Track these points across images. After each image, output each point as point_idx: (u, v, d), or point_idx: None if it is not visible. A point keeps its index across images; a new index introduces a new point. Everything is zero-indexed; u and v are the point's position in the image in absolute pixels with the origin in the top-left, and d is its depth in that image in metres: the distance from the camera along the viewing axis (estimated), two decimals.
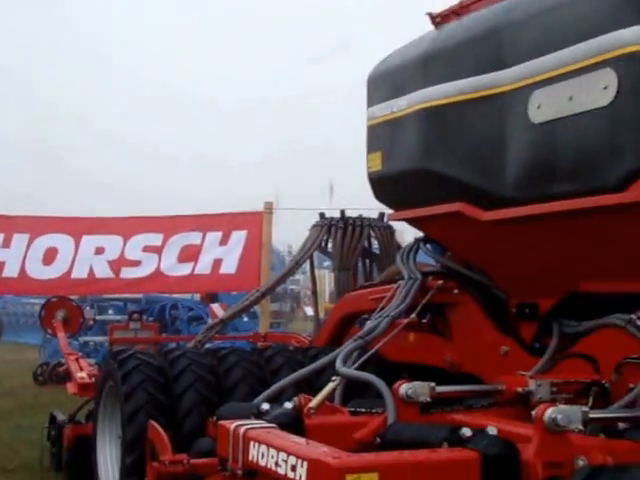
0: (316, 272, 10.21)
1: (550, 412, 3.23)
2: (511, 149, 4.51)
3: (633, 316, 4.27)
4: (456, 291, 5.45)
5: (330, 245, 8.65)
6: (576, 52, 4.13)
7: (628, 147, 3.91)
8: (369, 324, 5.22)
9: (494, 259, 5.07)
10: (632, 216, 3.97)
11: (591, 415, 3.41)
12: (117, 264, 11.34)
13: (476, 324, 5.31)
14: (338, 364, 4.74)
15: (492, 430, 3.36)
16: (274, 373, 5.72)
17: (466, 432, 3.32)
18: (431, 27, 5.41)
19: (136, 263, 11.39)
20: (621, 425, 3.61)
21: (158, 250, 11.34)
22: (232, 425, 3.78)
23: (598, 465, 2.89)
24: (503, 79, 4.55)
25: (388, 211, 6.14)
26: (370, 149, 5.64)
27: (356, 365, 4.79)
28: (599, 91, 4.00)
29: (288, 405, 4.15)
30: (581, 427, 3.30)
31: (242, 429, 3.70)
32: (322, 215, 8.63)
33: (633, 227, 4.02)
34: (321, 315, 9.78)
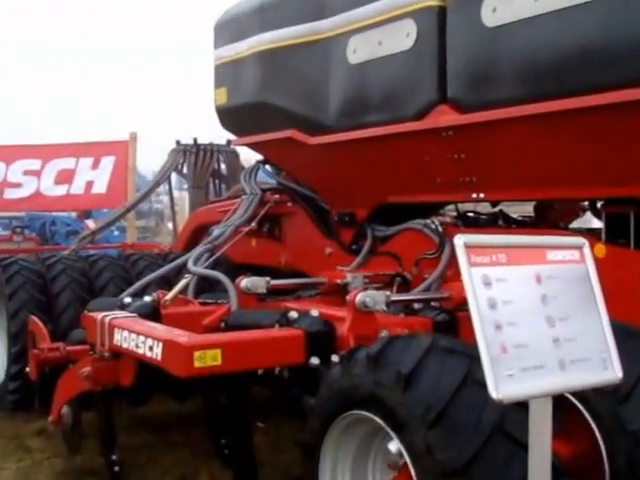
0: (177, 193, 10.12)
1: (360, 296, 3.31)
2: (332, 85, 4.53)
3: (428, 221, 4.43)
4: (289, 204, 5.50)
5: (185, 168, 8.55)
6: (384, 5, 4.15)
7: (425, 84, 3.99)
8: (216, 231, 5.22)
9: (320, 177, 5.12)
10: (427, 140, 4.07)
11: (393, 298, 3.53)
12: (0, 186, 10.96)
13: (306, 230, 5.38)
14: (190, 264, 4.73)
15: (314, 313, 3.41)
16: (139, 274, 5.65)
17: (293, 315, 3.37)
18: None
19: (17, 185, 11.04)
20: (417, 306, 3.75)
21: (37, 174, 11.02)
22: (99, 316, 3.73)
23: (394, 335, 3.00)
24: (324, 27, 4.54)
25: (233, 138, 6.09)
26: (217, 85, 5.54)
27: (205, 265, 4.80)
28: (402, 38, 4.04)
29: (147, 298, 4.11)
30: (385, 308, 3.42)
31: (108, 318, 3.67)
32: (178, 142, 8.47)
33: (428, 149, 4.12)
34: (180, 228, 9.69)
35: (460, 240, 2.01)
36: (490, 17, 3.60)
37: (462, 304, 3.61)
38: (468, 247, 2.01)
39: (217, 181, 8.76)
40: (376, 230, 4.87)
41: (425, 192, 4.37)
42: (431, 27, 3.92)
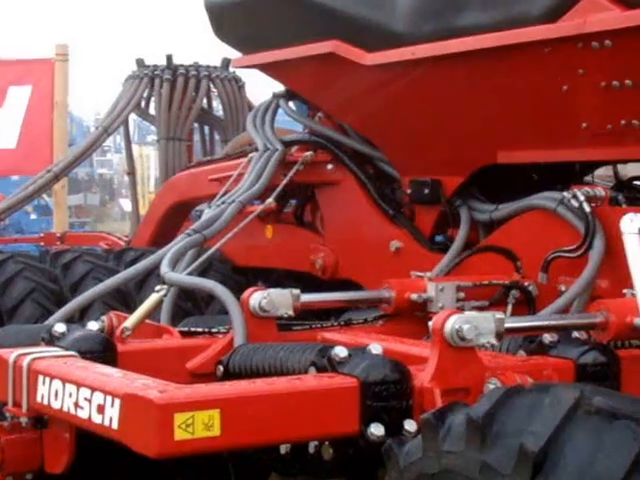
0: (138, 149, 10.22)
1: (453, 321, 3.30)
2: None
3: (566, 194, 4.39)
4: (330, 166, 5.53)
5: (154, 106, 8.61)
6: None
7: None
8: (208, 213, 5.26)
9: (381, 120, 5.14)
10: (566, 55, 4.08)
11: (507, 325, 3.51)
12: None
13: (357, 211, 5.42)
14: (164, 268, 4.74)
15: (376, 349, 3.40)
16: (75, 286, 5.73)
17: (340, 352, 3.37)
18: None
19: None
20: (547, 338, 3.73)
21: None
22: (12, 355, 3.75)
23: (513, 387, 2.99)
24: None
25: (235, 56, 6.12)
26: None
27: (190, 269, 4.83)
28: None
29: (93, 326, 4.14)
30: (494, 341, 3.41)
31: (26, 360, 3.68)
32: (141, 62, 8.52)
33: (568, 71, 4.12)
34: (143, 212, 9.79)
35: (633, 224, 2.01)
36: None
37: (628, 335, 3.62)
38: None
39: (207, 128, 8.81)
40: (476, 210, 4.90)
41: (561, 145, 4.40)
42: None
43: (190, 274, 4.81)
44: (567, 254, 4.31)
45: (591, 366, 3.54)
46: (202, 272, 5.13)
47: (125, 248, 6.62)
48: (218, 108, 8.91)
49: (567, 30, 4.00)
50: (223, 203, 5.30)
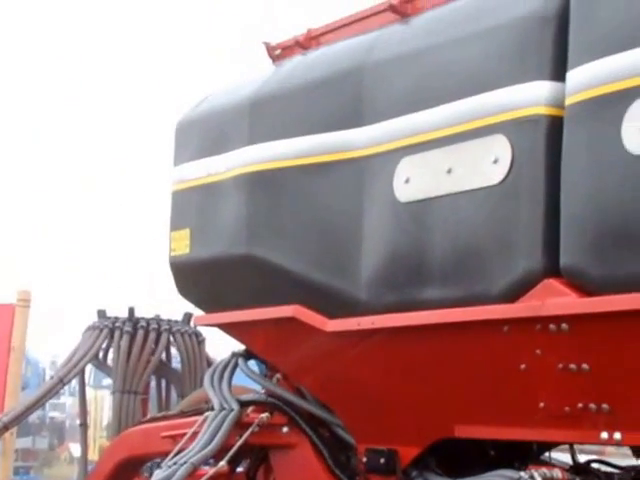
0: (92, 393, 10.16)
1: None
2: (368, 236, 4.65)
3: (523, 475, 4.37)
4: (286, 429, 5.49)
5: (112, 357, 8.58)
6: (459, 111, 4.29)
7: (522, 242, 4.07)
8: (159, 474, 5.19)
9: (338, 386, 5.14)
10: (524, 336, 4.11)
11: None
12: None
13: (311, 477, 5.35)
14: None
15: None
16: None
17: None
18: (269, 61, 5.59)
19: None
20: None
21: None
22: None
23: None
24: (358, 140, 4.70)
25: (197, 313, 6.15)
26: (175, 225, 5.72)
27: None
28: (487, 165, 4.16)
29: None
30: None
31: None
32: (102, 313, 8.55)
33: (526, 351, 4.15)
34: (93, 457, 9.68)
35: None
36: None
37: None
38: None
39: (164, 382, 8.77)
40: None
41: (519, 424, 4.36)
42: (535, 149, 4.04)
43: None
44: None
45: None
46: None
47: None
48: (178, 358, 8.89)
49: (525, 311, 4.04)
50: (175, 463, 5.24)
